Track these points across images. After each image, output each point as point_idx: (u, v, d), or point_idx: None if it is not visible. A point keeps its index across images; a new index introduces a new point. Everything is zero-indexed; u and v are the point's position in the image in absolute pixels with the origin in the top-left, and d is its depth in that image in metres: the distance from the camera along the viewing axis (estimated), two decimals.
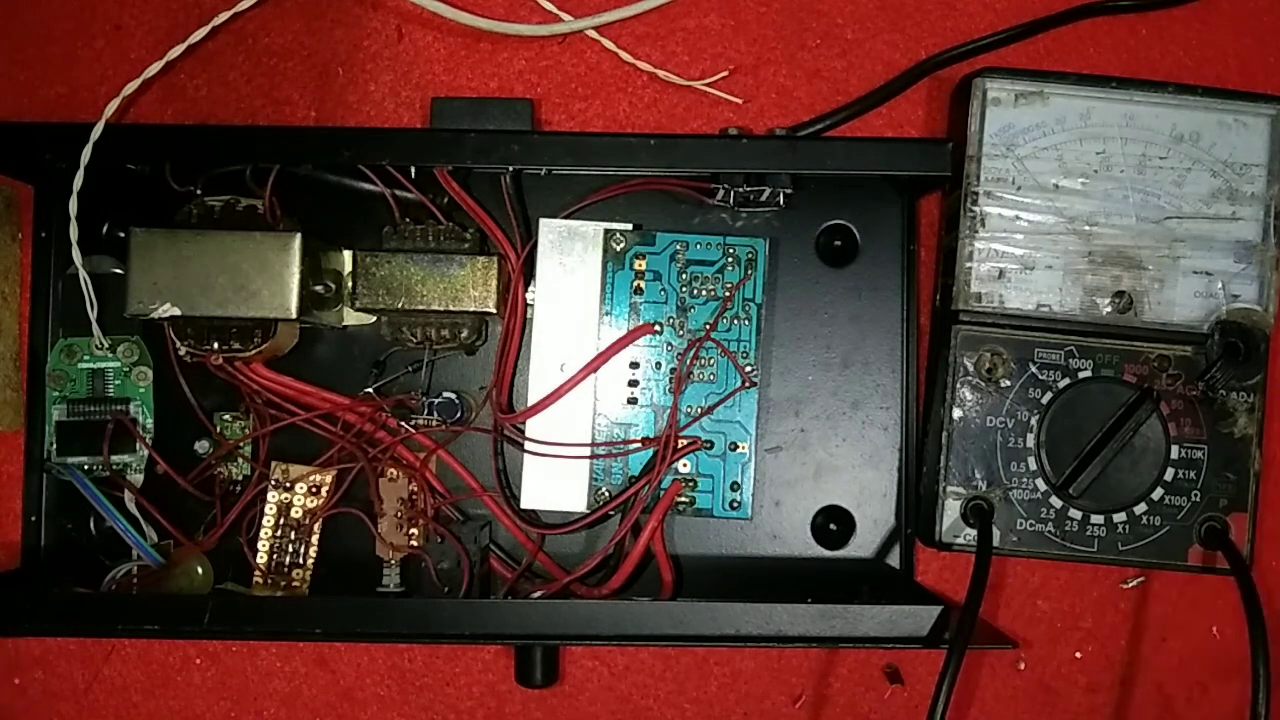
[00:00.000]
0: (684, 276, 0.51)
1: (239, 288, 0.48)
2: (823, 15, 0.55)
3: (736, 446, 0.51)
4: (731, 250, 0.51)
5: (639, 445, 0.51)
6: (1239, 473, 0.50)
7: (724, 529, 0.54)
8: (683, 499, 0.51)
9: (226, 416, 0.53)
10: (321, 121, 0.55)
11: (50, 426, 0.52)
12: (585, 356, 0.51)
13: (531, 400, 0.51)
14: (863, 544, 0.54)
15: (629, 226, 0.52)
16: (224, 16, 0.52)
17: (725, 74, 0.54)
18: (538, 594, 0.51)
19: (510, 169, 0.49)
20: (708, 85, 0.54)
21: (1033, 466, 0.50)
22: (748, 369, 0.51)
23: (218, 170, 0.50)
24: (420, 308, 0.50)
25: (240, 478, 0.53)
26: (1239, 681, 0.54)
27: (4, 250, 0.53)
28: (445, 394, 0.53)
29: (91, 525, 0.53)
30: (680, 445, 0.51)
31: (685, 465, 0.51)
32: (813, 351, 0.54)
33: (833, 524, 0.54)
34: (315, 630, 0.49)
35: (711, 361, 0.51)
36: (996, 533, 0.49)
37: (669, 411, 0.51)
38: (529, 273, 0.52)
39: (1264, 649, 0.46)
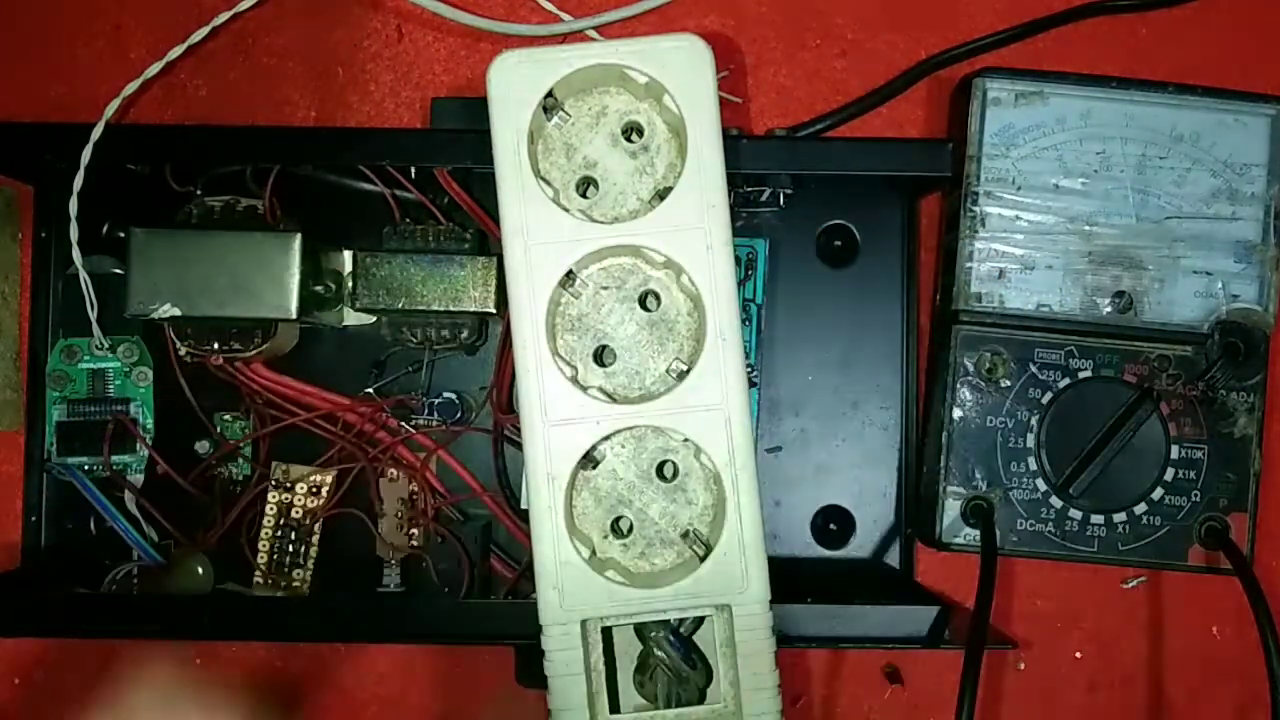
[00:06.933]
0: None
1: (239, 288, 0.48)
2: (823, 15, 0.55)
3: None
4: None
5: None
6: (1239, 473, 0.50)
7: None
8: None
9: (226, 417, 0.53)
10: (321, 121, 0.55)
11: (50, 426, 0.52)
12: None
13: None
14: (863, 544, 0.54)
15: None
16: (224, 16, 0.52)
17: (725, 74, 0.54)
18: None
19: None
20: None
21: (1033, 466, 0.50)
22: (748, 369, 0.51)
23: (218, 170, 0.50)
24: (420, 308, 0.50)
25: (240, 478, 0.53)
26: (1239, 681, 0.54)
27: (4, 250, 0.53)
28: (445, 394, 0.53)
29: (91, 525, 0.53)
30: None
31: None
32: (813, 351, 0.54)
33: (833, 524, 0.54)
34: (315, 630, 0.49)
35: None
36: (997, 533, 0.49)
37: None
38: None
39: (1275, 644, 0.46)
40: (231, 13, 0.53)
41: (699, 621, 0.45)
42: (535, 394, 0.43)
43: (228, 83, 0.55)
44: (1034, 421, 0.50)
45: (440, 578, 0.53)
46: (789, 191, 0.51)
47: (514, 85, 0.44)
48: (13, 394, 0.53)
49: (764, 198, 0.51)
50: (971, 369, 0.50)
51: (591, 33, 0.54)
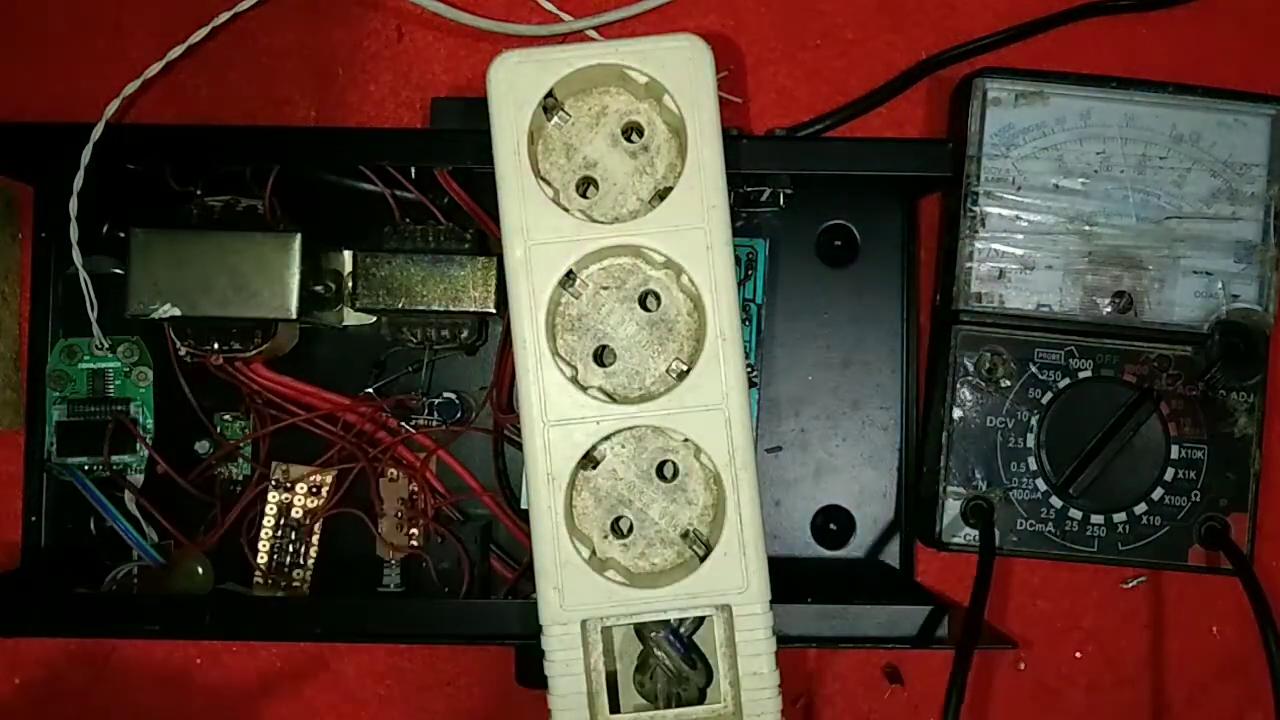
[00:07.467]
0: None
1: (239, 288, 0.48)
2: (823, 15, 0.55)
3: None
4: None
5: None
6: (1239, 473, 0.50)
7: None
8: None
9: (226, 416, 0.53)
10: (321, 121, 0.55)
11: (50, 426, 0.52)
12: None
13: None
14: (863, 544, 0.54)
15: None
16: (224, 16, 0.52)
17: (724, 73, 0.54)
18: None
19: None
20: None
21: (1033, 466, 0.50)
22: (748, 369, 0.51)
23: (218, 170, 0.50)
24: (420, 308, 0.50)
25: (240, 478, 0.53)
26: (1239, 681, 0.54)
27: (4, 250, 0.53)
28: (445, 394, 0.53)
29: (91, 525, 0.53)
30: None
31: None
32: (813, 351, 0.54)
33: (833, 524, 0.54)
34: (315, 630, 0.49)
35: None
36: (996, 533, 0.49)
37: None
38: None
39: (1275, 644, 0.46)
40: (231, 13, 0.53)
41: (699, 621, 0.45)
42: (535, 394, 0.43)
43: (228, 83, 0.55)
44: (1034, 421, 0.50)
45: (440, 578, 0.53)
46: (789, 191, 0.51)
47: (514, 85, 0.44)
48: (13, 394, 0.53)
49: (764, 198, 0.51)
50: (971, 369, 0.50)
51: (591, 33, 0.54)
